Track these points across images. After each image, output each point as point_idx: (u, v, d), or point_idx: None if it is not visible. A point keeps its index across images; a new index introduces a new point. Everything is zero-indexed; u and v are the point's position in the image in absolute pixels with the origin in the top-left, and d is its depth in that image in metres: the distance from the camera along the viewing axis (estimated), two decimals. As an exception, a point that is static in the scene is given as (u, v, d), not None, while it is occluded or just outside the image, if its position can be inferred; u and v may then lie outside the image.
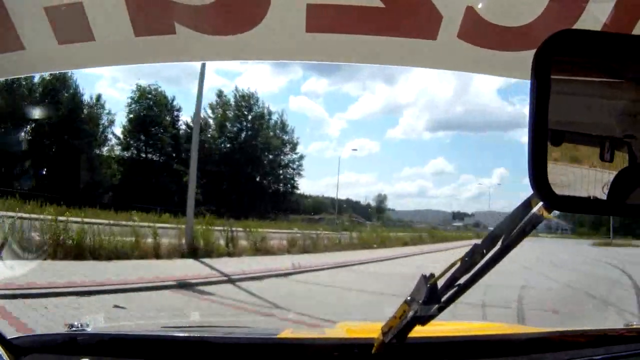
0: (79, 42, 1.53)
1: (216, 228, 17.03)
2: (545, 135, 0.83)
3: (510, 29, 1.43)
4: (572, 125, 1.03)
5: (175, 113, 35.64)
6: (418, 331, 1.17)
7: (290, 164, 39.05)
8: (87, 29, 1.48)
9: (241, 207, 31.01)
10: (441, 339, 1.43)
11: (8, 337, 1.28)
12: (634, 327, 1.59)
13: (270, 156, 38.55)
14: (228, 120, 37.50)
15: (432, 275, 1.13)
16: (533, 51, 0.83)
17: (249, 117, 37.86)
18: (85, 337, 1.35)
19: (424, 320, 1.13)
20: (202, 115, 35.20)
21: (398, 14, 1.46)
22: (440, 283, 1.12)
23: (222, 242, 16.49)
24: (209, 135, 37.15)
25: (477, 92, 64.82)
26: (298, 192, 40.88)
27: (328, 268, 15.20)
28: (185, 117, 36.28)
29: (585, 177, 1.01)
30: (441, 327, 1.58)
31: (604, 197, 0.93)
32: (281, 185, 39.37)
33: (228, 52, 1.66)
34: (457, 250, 26.84)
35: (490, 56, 1.50)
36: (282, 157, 39.20)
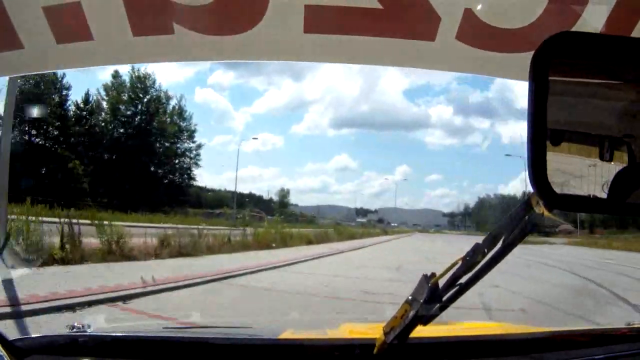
0: (78, 42, 1.53)
1: (48, 220, 11.69)
2: (544, 135, 0.84)
3: (508, 31, 1.46)
4: (571, 125, 1.04)
5: (64, 92, 32.25)
6: (420, 331, 1.17)
7: (187, 153, 36.71)
8: (86, 29, 1.49)
9: (134, 199, 28.42)
10: (443, 338, 1.44)
11: (10, 339, 1.27)
12: (635, 326, 1.59)
13: (166, 143, 35.37)
14: (122, 103, 34.11)
15: (433, 274, 1.13)
16: (531, 53, 0.84)
17: (145, 100, 34.72)
18: (86, 338, 1.34)
19: (425, 320, 1.14)
20: (95, 97, 32.47)
21: (396, 15, 1.48)
22: (441, 282, 1.11)
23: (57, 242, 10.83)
24: (101, 119, 34.01)
25: (383, 92, 65.90)
26: (198, 184, 38.34)
27: (198, 283, 9.59)
28: (76, 97, 33.03)
29: (585, 176, 1.01)
30: (443, 327, 1.59)
31: (604, 196, 0.94)
32: (177, 175, 37.00)
33: (226, 52, 1.67)
34: (373, 248, 24.14)
35: (489, 58, 1.53)
36: (178, 145, 36.27)
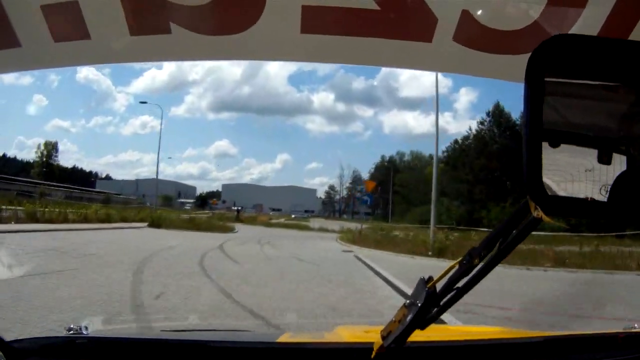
0: (75, 41, 1.53)
1: None
2: (539, 139, 0.83)
3: (505, 33, 1.45)
4: (568, 128, 1.01)
5: None
6: (417, 335, 1.16)
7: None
8: (83, 28, 1.49)
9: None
10: (440, 343, 1.44)
11: (7, 340, 1.27)
12: (634, 330, 1.58)
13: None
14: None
15: (430, 278, 1.12)
16: (528, 55, 0.83)
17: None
18: (83, 340, 1.33)
19: (423, 324, 1.13)
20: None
21: (393, 16, 1.48)
22: (438, 286, 1.10)
23: None
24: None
25: (266, 75, 64.69)
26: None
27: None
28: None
29: (582, 180, 0.98)
30: (441, 331, 1.59)
31: (601, 200, 0.91)
32: None
33: (223, 52, 1.66)
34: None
35: (486, 59, 1.52)
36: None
